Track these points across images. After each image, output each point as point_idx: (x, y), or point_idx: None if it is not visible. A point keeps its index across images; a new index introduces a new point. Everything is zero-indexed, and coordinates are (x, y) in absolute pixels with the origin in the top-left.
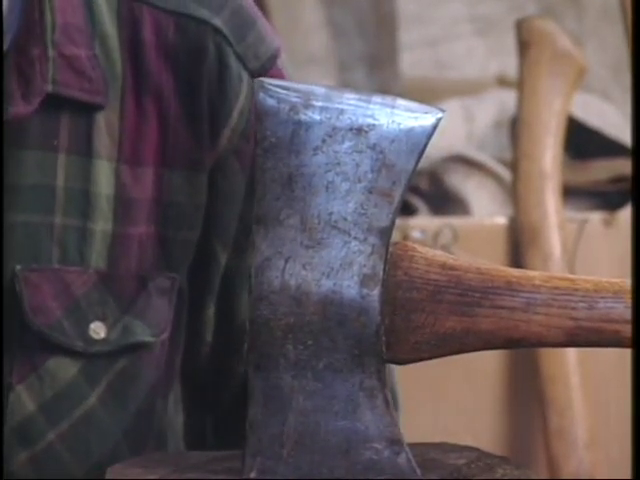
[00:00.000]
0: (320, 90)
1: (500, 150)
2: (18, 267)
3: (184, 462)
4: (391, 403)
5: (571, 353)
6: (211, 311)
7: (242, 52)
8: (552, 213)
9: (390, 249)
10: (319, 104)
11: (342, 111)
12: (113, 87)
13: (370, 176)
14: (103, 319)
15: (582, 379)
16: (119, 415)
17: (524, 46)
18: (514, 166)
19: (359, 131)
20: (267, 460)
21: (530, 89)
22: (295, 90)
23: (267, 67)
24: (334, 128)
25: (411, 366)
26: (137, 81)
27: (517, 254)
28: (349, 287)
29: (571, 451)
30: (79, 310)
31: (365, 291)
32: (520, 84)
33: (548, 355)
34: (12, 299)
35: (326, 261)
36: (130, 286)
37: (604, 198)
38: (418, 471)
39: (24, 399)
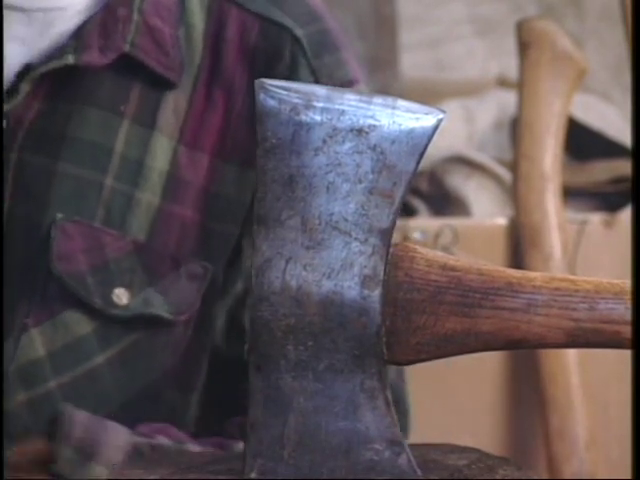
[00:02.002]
0: (321, 91)
1: (500, 151)
2: (59, 216)
3: (185, 462)
4: (391, 404)
5: (571, 354)
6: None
7: (317, 67)
8: (552, 214)
9: (391, 250)
10: (320, 105)
11: (343, 112)
12: (188, 72)
13: (371, 177)
14: (129, 287)
15: (582, 380)
16: (123, 384)
17: (524, 47)
18: (514, 167)
19: (360, 132)
20: (268, 461)
21: (530, 90)
22: (296, 91)
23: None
24: (335, 129)
25: (412, 367)
26: (212, 72)
27: (517, 255)
28: (350, 288)
29: (571, 451)
30: (107, 272)
31: (366, 292)
32: (520, 85)
33: (548, 356)
34: (46, 245)
35: (327, 262)
36: (162, 263)
37: (604, 199)
38: (419, 472)
39: (36, 342)
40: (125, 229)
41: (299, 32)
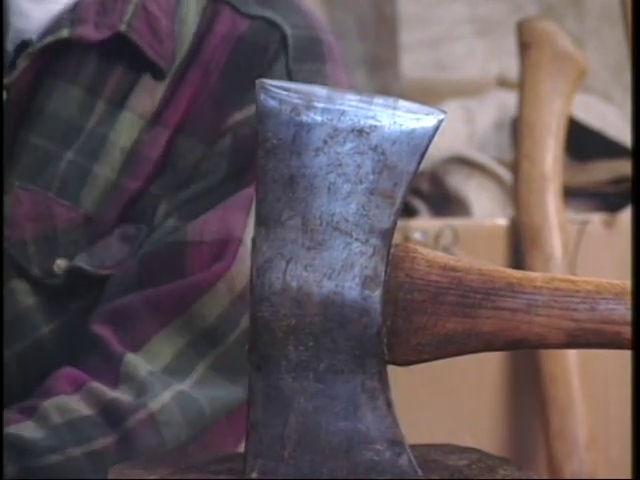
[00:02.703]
0: (322, 91)
1: (501, 151)
2: (16, 183)
3: (185, 462)
4: (393, 404)
5: (572, 354)
6: None
7: (294, 70)
8: (553, 214)
9: (391, 250)
10: (321, 105)
11: (344, 112)
12: (174, 63)
13: (372, 177)
14: (69, 257)
15: (583, 380)
16: (68, 349)
17: (525, 47)
18: (515, 167)
19: (361, 132)
20: (268, 461)
21: (531, 90)
22: (297, 91)
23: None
24: (335, 129)
25: (412, 367)
26: (192, 57)
27: (518, 255)
28: (350, 288)
29: (572, 451)
30: (53, 242)
31: (366, 292)
32: (521, 85)
33: (549, 356)
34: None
35: (327, 262)
36: (103, 231)
37: (605, 199)
38: (419, 472)
39: None
40: (78, 202)
41: (288, 31)
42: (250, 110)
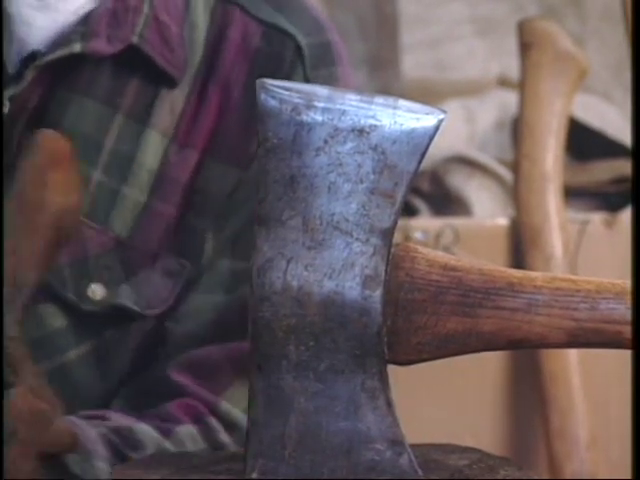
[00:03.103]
0: (322, 91)
1: (501, 151)
2: None
3: (186, 463)
4: (393, 404)
5: (572, 353)
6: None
7: (311, 78)
8: (553, 214)
9: (392, 250)
10: (321, 105)
11: (344, 112)
12: (188, 72)
13: (372, 177)
14: (105, 284)
15: (583, 379)
16: (95, 380)
17: (525, 47)
18: (515, 167)
19: (361, 132)
20: (269, 461)
21: (531, 90)
22: (297, 91)
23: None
24: (336, 129)
25: (413, 367)
26: (210, 72)
27: (518, 255)
28: (351, 288)
29: (572, 451)
30: (85, 266)
31: (367, 292)
32: (521, 85)
33: (549, 355)
34: None
35: (328, 262)
36: (140, 260)
37: (605, 199)
38: (420, 472)
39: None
40: (109, 224)
41: (302, 41)
42: None
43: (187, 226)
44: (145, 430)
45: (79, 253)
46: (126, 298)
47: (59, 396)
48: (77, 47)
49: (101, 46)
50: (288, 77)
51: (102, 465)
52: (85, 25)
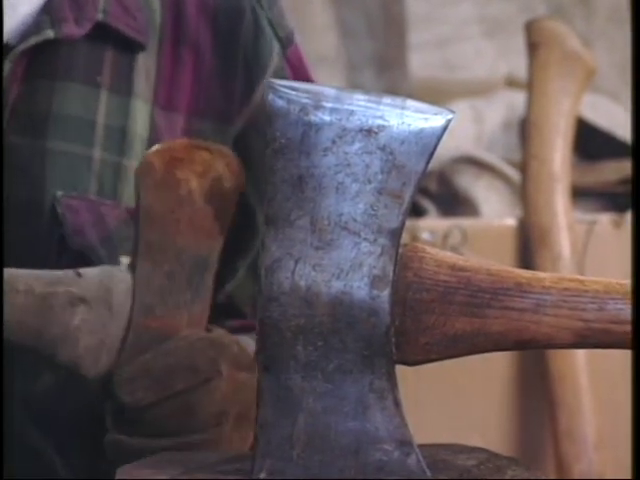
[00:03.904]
0: (330, 91)
1: (509, 151)
2: (59, 193)
3: (193, 463)
4: (401, 404)
5: (580, 354)
6: None
7: (272, 18)
8: (561, 214)
9: (400, 250)
10: (329, 105)
11: (352, 112)
12: (152, 34)
13: (380, 177)
14: (129, 253)
15: (591, 380)
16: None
17: (533, 47)
18: (523, 167)
19: (369, 132)
20: (277, 461)
21: (539, 90)
22: (305, 91)
23: (291, 39)
24: (344, 129)
25: (421, 367)
26: (175, 32)
27: (526, 255)
28: (359, 288)
29: (580, 452)
30: (112, 242)
31: (375, 292)
32: (529, 85)
33: (557, 356)
34: (53, 222)
35: (336, 262)
36: None
37: (613, 199)
38: (428, 472)
39: None
40: (118, 198)
41: None
42: (267, 78)
43: None
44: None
45: (104, 231)
46: None
47: None
48: (50, 33)
49: (72, 29)
50: (255, 24)
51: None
52: (50, 12)
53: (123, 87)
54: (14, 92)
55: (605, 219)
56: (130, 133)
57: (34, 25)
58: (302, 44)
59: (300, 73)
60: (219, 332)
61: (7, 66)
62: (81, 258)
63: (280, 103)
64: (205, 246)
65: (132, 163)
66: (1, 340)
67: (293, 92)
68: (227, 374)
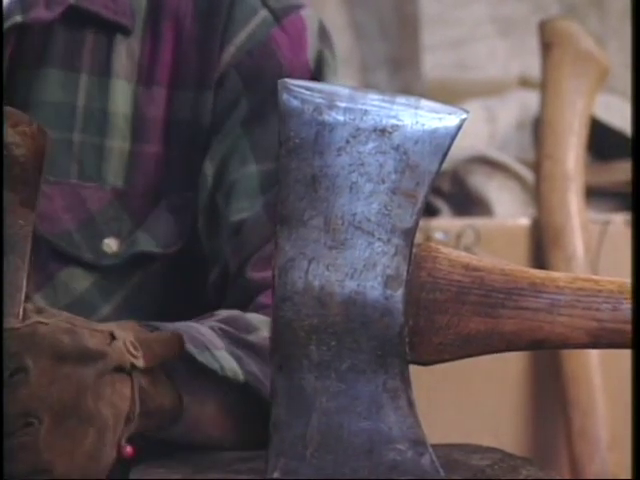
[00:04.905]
0: (344, 91)
1: (522, 151)
2: None
3: (206, 462)
4: (415, 404)
5: (594, 354)
6: (200, 225)
7: None
8: (575, 214)
9: (413, 250)
10: (343, 105)
11: (366, 112)
12: (138, 16)
13: (394, 177)
14: (117, 235)
15: (605, 380)
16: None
17: (547, 47)
18: (537, 167)
19: (383, 132)
20: (290, 460)
21: (553, 90)
22: (319, 91)
23: (288, 11)
24: (358, 129)
25: (434, 367)
26: (158, 8)
27: (540, 255)
28: (373, 288)
29: (594, 452)
30: (93, 225)
31: (389, 292)
32: (543, 85)
33: (571, 356)
34: None
35: (350, 262)
36: (144, 203)
37: (627, 199)
38: (441, 472)
39: None
40: (102, 179)
41: None
42: (240, 38)
43: (177, 159)
44: (254, 315)
45: (82, 215)
46: (144, 243)
47: None
48: (18, 18)
49: (40, 13)
50: None
51: (223, 353)
52: (21, 0)
53: (102, 69)
54: None
55: (619, 219)
56: (110, 113)
57: (6, 12)
58: None
59: (295, 41)
60: (52, 321)
61: None
62: (56, 246)
63: (294, 103)
64: (4, 224)
65: (115, 143)
66: (1, 340)
67: (307, 92)
68: (39, 368)
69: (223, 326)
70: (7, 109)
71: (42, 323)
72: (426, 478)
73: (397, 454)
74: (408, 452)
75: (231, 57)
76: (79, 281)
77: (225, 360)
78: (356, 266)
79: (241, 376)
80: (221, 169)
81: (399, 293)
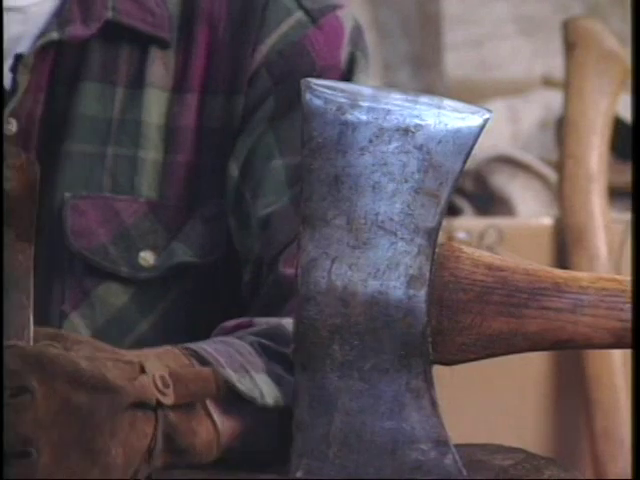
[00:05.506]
0: (367, 90)
1: (545, 151)
2: (67, 195)
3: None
4: (438, 404)
5: (617, 354)
6: (231, 227)
7: None
8: (598, 214)
9: (436, 250)
10: (366, 104)
11: (389, 111)
12: (174, 26)
13: (417, 176)
14: (153, 247)
15: (627, 380)
16: (170, 341)
17: (570, 46)
18: (560, 167)
19: (406, 131)
20: (313, 460)
21: (576, 89)
22: (342, 90)
23: (324, 11)
24: (381, 128)
25: (457, 367)
26: (191, 14)
27: (563, 255)
28: (395, 288)
29: (617, 452)
30: (129, 238)
31: (412, 292)
32: (566, 84)
33: (593, 356)
34: (60, 226)
35: (373, 262)
36: (178, 214)
37: None
38: (464, 472)
39: (78, 327)
40: (136, 191)
41: None
42: (272, 39)
43: (209, 167)
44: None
45: (117, 228)
46: (181, 254)
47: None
48: (54, 35)
49: (77, 31)
50: None
51: (263, 377)
52: (60, 15)
53: (137, 80)
54: (38, 107)
55: None
56: (144, 124)
57: (43, 30)
58: None
59: (330, 41)
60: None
61: (24, 78)
62: (91, 262)
63: (317, 102)
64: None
65: (148, 154)
66: (1, 340)
67: (330, 91)
68: (45, 392)
69: (262, 340)
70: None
71: (53, 346)
72: (449, 478)
73: (420, 454)
74: (431, 452)
75: (262, 57)
76: (116, 296)
77: (265, 384)
78: (379, 266)
79: (281, 401)
80: (246, 166)
81: (422, 293)
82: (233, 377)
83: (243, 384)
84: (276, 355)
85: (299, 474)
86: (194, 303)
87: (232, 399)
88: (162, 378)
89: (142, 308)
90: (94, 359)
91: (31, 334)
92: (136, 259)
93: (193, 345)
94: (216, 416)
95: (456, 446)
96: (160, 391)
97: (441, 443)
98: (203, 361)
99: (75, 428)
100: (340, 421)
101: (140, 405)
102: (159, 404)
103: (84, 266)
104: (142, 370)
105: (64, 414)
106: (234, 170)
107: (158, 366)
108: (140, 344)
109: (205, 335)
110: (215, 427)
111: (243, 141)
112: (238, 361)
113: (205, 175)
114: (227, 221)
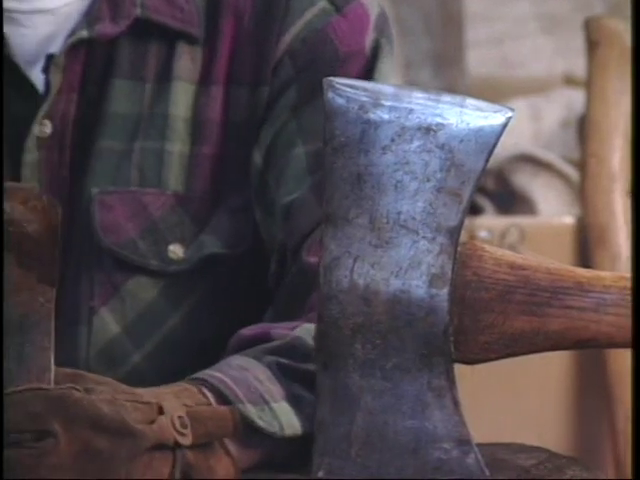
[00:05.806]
0: (389, 89)
1: (567, 150)
2: (95, 190)
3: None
4: (460, 403)
5: None
6: (257, 217)
7: None
8: (620, 213)
9: (458, 249)
10: (388, 103)
11: (411, 110)
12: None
13: (439, 175)
14: (182, 240)
15: None
16: (199, 337)
17: (592, 45)
18: (582, 166)
19: (428, 130)
20: (335, 459)
21: (598, 89)
22: (364, 89)
23: (349, 0)
24: (403, 127)
25: (479, 366)
26: (216, 5)
27: (584, 254)
28: (418, 287)
29: None
30: (157, 231)
31: (434, 291)
32: (588, 83)
33: (615, 355)
34: (88, 221)
35: (395, 260)
36: (205, 206)
37: None
38: (487, 471)
39: (108, 322)
40: (163, 184)
41: None
42: (296, 27)
43: (235, 159)
44: (311, 329)
45: (145, 222)
46: (210, 246)
47: (172, 364)
48: (84, 33)
49: (107, 29)
50: None
51: (282, 405)
52: (89, 14)
53: (165, 74)
54: (72, 107)
55: None
56: (171, 117)
57: (73, 29)
58: None
59: (355, 28)
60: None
61: (57, 78)
62: (120, 256)
63: (339, 101)
64: (17, 303)
65: (175, 147)
66: (1, 339)
67: (352, 90)
68: (70, 436)
69: (281, 360)
70: (15, 185)
71: (75, 389)
72: (471, 478)
73: (442, 453)
74: (453, 451)
75: (286, 46)
76: (146, 290)
77: (284, 414)
78: (401, 265)
79: (299, 430)
80: (270, 154)
81: (444, 292)
82: (252, 413)
83: (262, 419)
84: (295, 374)
85: (321, 474)
86: (222, 297)
87: (250, 433)
88: (180, 419)
89: (171, 302)
90: (114, 402)
91: (52, 376)
92: (165, 252)
93: (210, 376)
94: (234, 452)
95: (478, 445)
96: (178, 432)
97: (463, 442)
98: (221, 396)
99: (93, 472)
100: (362, 420)
101: (158, 446)
102: (177, 444)
103: (113, 261)
104: (160, 411)
105: (84, 458)
106: (258, 158)
107: (176, 406)
108: (169, 338)
109: (231, 329)
110: (233, 463)
111: (266, 129)
112: (257, 391)
113: (231, 167)
114: (253, 213)
